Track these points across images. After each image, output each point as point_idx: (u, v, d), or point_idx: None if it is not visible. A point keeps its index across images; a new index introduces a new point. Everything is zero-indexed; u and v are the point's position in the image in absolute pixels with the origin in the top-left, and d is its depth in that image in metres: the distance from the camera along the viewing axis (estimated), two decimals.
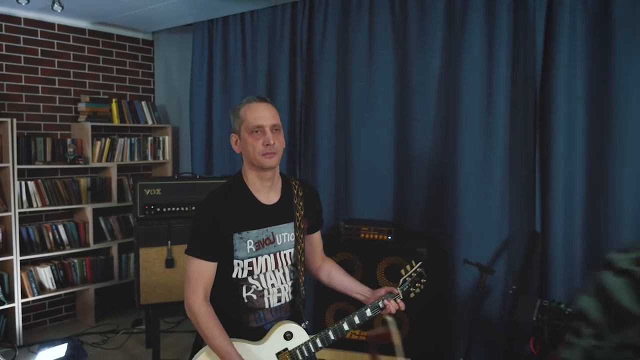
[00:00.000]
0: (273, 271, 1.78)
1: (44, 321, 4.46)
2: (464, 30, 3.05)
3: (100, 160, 4.47)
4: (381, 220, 3.28)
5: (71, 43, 4.53)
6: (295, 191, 1.83)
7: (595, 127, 2.75)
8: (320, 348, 1.77)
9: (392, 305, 1.79)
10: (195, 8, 4.06)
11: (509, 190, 3.03)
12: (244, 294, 1.73)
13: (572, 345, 0.79)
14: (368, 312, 1.80)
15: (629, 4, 2.57)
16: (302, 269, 1.85)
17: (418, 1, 3.23)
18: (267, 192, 1.77)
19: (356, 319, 1.79)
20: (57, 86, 4.45)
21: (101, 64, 4.75)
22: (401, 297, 1.84)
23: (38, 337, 4.15)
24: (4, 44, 4.12)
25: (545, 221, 2.86)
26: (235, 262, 1.71)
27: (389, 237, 2.97)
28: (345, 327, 1.78)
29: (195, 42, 4.55)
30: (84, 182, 4.43)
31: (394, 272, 2.83)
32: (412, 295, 1.88)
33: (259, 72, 4.06)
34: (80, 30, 4.58)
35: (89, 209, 4.40)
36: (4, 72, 4.14)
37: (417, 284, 1.88)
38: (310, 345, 1.76)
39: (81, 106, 4.48)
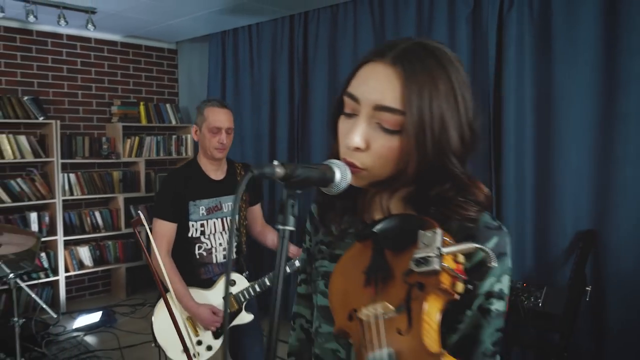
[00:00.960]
0: (221, 233, 2.32)
1: (84, 294, 5.18)
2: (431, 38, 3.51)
3: (130, 155, 5.14)
4: None
5: (105, 54, 5.22)
6: (238, 171, 2.39)
7: (540, 124, 3.15)
8: (259, 292, 2.29)
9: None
10: (209, 22, 4.66)
11: None
12: (197, 252, 2.27)
13: None
14: (296, 262, 2.28)
15: (564, 18, 2.96)
16: (244, 231, 2.38)
17: (394, 14, 3.71)
18: (215, 171, 2.32)
19: (287, 269, 2.29)
20: (93, 92, 5.15)
21: (131, 72, 5.42)
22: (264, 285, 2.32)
23: (78, 307, 4.86)
24: (49, 57, 4.84)
25: (499, 209, 3.27)
26: (191, 223, 2.25)
27: None
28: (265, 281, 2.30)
29: (211, 51, 5.16)
30: (116, 174, 5.12)
31: None
32: None
33: (263, 78, 4.63)
34: (113, 43, 5.27)
35: (120, 198, 5.08)
36: (50, 80, 4.86)
37: None
38: (250, 289, 2.29)
39: (114, 109, 5.17)
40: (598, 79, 2.82)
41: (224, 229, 2.32)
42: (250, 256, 2.57)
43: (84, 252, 4.96)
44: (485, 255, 0.74)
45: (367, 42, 3.87)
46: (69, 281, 4.97)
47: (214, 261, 2.31)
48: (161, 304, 2.25)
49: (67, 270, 4.78)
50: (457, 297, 0.72)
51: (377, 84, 0.80)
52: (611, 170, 2.79)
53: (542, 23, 3.07)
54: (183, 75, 5.78)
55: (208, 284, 2.30)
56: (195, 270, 2.28)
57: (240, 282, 2.32)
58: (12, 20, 4.48)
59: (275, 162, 0.77)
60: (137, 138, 5.16)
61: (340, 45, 4.04)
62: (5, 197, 4.39)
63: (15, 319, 2.82)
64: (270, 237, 2.53)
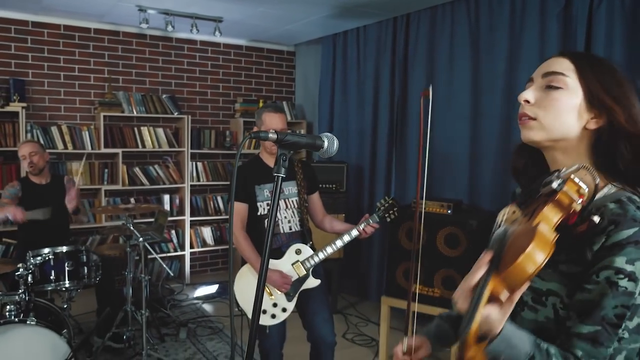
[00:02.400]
0: (285, 210, 2.65)
1: (206, 270, 5.86)
2: (523, 37, 3.54)
3: (249, 147, 5.71)
4: (449, 198, 3.89)
5: (232, 57, 5.85)
6: (295, 163, 2.71)
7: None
8: (322, 259, 2.58)
9: (368, 229, 2.56)
10: (321, 25, 5.05)
11: None
12: (266, 225, 2.58)
13: None
14: (354, 232, 2.56)
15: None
16: (306, 209, 2.69)
17: (488, 14, 3.78)
18: (273, 160, 2.63)
19: (345, 238, 2.57)
20: (220, 91, 5.81)
21: (254, 72, 6.01)
22: (376, 221, 2.57)
23: (200, 280, 5.53)
24: (185, 60, 5.57)
25: None
26: (258, 204, 2.61)
27: (449, 211, 3.59)
28: (339, 243, 2.57)
29: (323, 52, 5.55)
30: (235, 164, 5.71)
31: (452, 240, 3.47)
32: (388, 219, 2.61)
33: (367, 77, 4.90)
34: (239, 47, 5.89)
35: None
36: (185, 81, 5.59)
37: (390, 212, 2.59)
38: (315, 257, 2.58)
39: (237, 106, 5.79)
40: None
41: (286, 206, 2.67)
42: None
43: (207, 232, 5.63)
44: (607, 225, 0.91)
45: (463, 41, 3.98)
46: (194, 257, 5.67)
47: (282, 231, 2.66)
48: (241, 272, 2.65)
49: (191, 247, 5.48)
50: (575, 211, 0.90)
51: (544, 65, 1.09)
52: None
53: (632, 19, 3.00)
54: (299, 75, 6.25)
55: (278, 253, 2.63)
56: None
57: (305, 251, 2.62)
58: (156, 29, 5.25)
59: (271, 131, 1.06)
60: None
61: (438, 44, 4.19)
62: (144, 180, 5.18)
63: (142, 274, 3.41)
64: (330, 224, 2.82)
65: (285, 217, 2.66)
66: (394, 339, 4.01)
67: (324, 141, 1.14)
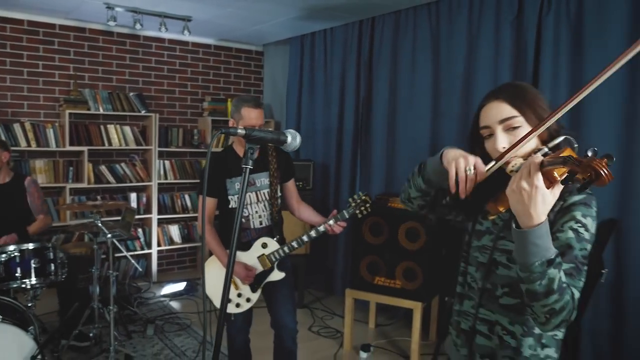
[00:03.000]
0: (256, 203, 2.70)
1: (173, 268, 5.87)
2: (480, 42, 3.72)
3: (217, 146, 5.75)
4: None
5: (200, 56, 5.88)
6: (269, 152, 2.70)
7: (572, 120, 3.19)
8: (288, 253, 2.64)
9: (336, 228, 2.62)
10: (289, 27, 5.14)
11: None
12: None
13: None
14: (321, 228, 2.61)
15: (596, 23, 3.06)
16: (276, 202, 2.71)
17: (448, 19, 3.95)
18: None
19: (312, 233, 2.62)
20: (188, 89, 5.84)
21: (222, 71, 6.05)
22: (344, 218, 2.62)
23: (167, 278, 5.54)
24: (153, 58, 5.58)
25: None
26: (230, 197, 2.65)
27: None
28: (305, 238, 2.62)
29: (291, 53, 5.64)
30: (204, 162, 5.75)
31: (412, 234, 3.62)
32: (360, 215, 2.66)
33: (334, 77, 5.02)
34: (207, 46, 5.92)
35: None
36: (153, 79, 5.60)
37: (362, 207, 2.65)
38: (280, 250, 2.65)
39: (205, 104, 5.82)
40: (624, 79, 2.95)
41: (258, 200, 2.72)
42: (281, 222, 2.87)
43: (174, 230, 5.65)
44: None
45: (424, 44, 4.14)
46: (161, 255, 5.68)
47: (252, 226, 2.71)
48: (209, 261, 2.72)
49: (159, 245, 5.49)
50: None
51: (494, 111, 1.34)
52: (634, 164, 2.95)
53: (576, 26, 3.20)
54: (267, 75, 6.33)
55: (247, 246, 2.70)
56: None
57: (272, 245, 2.69)
58: (124, 27, 5.24)
59: (240, 127, 1.17)
60: None
61: (401, 47, 4.34)
62: (111, 178, 5.17)
63: (111, 271, 3.44)
64: (304, 213, 2.86)
65: (256, 212, 2.71)
66: (358, 330, 4.15)
67: (287, 136, 1.25)
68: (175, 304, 4.81)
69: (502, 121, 1.30)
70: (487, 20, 3.67)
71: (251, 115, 2.57)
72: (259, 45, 6.26)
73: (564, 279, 1.14)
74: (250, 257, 2.67)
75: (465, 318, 1.44)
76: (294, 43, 5.62)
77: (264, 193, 2.71)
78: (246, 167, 1.25)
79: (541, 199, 1.07)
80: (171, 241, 5.63)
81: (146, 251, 5.43)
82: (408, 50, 4.27)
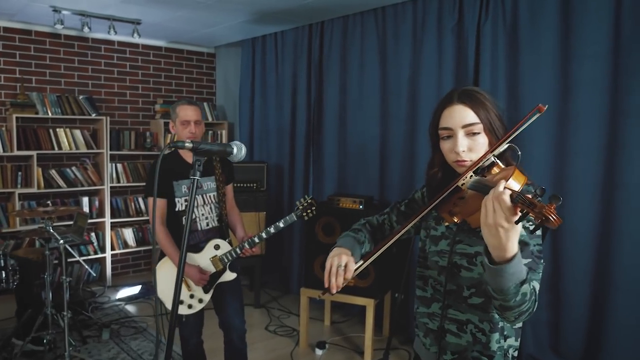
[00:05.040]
0: (202, 206, 2.77)
1: (128, 271, 5.84)
2: (424, 47, 3.90)
3: (170, 149, 5.74)
4: (361, 195, 4.19)
5: (151, 58, 5.86)
6: (214, 158, 2.78)
7: (509, 121, 3.47)
8: (238, 255, 2.71)
9: (246, 251, 2.71)
10: (240, 30, 5.20)
11: None
12: (184, 222, 2.71)
13: None
14: (237, 250, 2.69)
15: (529, 30, 3.29)
16: (224, 204, 2.82)
17: (394, 24, 4.12)
18: (192, 156, 2.75)
19: (256, 239, 2.68)
20: (140, 92, 5.81)
21: (174, 74, 6.04)
22: (253, 244, 2.69)
23: (122, 281, 5.51)
24: (102, 61, 5.52)
25: None
26: (176, 199, 2.70)
27: (361, 207, 3.89)
28: (254, 240, 2.69)
29: (243, 55, 5.70)
30: (152, 164, 5.73)
31: None
32: (306, 218, 2.74)
33: (285, 79, 5.12)
34: (158, 48, 5.91)
35: None
36: (103, 82, 5.54)
37: (308, 210, 2.73)
38: (232, 252, 2.73)
39: (157, 107, 5.81)
40: (556, 82, 3.19)
41: (204, 202, 2.80)
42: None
43: (128, 234, 5.62)
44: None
45: (372, 48, 4.29)
46: (115, 259, 5.64)
47: (199, 229, 2.78)
48: (161, 263, 2.75)
49: (113, 249, 5.45)
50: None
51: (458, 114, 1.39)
52: (566, 162, 3.17)
53: (512, 33, 3.42)
54: (220, 77, 6.36)
55: (196, 248, 2.76)
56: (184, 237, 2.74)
57: (224, 246, 2.77)
58: (72, 29, 5.17)
59: (188, 141, 1.26)
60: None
61: (349, 50, 4.48)
62: (61, 182, 5.10)
63: (64, 276, 3.43)
64: (231, 219, 2.93)
65: (202, 214, 2.78)
66: (314, 328, 4.27)
67: (233, 148, 1.35)
68: (130, 308, 4.80)
69: (466, 126, 1.36)
70: (430, 26, 3.84)
71: (187, 113, 2.66)
72: (210, 47, 6.28)
73: (532, 285, 1.21)
74: (203, 259, 2.74)
75: (433, 319, 1.52)
76: (245, 45, 5.68)
77: (210, 196, 2.80)
78: (194, 178, 1.34)
79: (516, 233, 1.11)
80: (125, 245, 5.60)
81: (100, 255, 5.38)
82: (356, 54, 4.42)
